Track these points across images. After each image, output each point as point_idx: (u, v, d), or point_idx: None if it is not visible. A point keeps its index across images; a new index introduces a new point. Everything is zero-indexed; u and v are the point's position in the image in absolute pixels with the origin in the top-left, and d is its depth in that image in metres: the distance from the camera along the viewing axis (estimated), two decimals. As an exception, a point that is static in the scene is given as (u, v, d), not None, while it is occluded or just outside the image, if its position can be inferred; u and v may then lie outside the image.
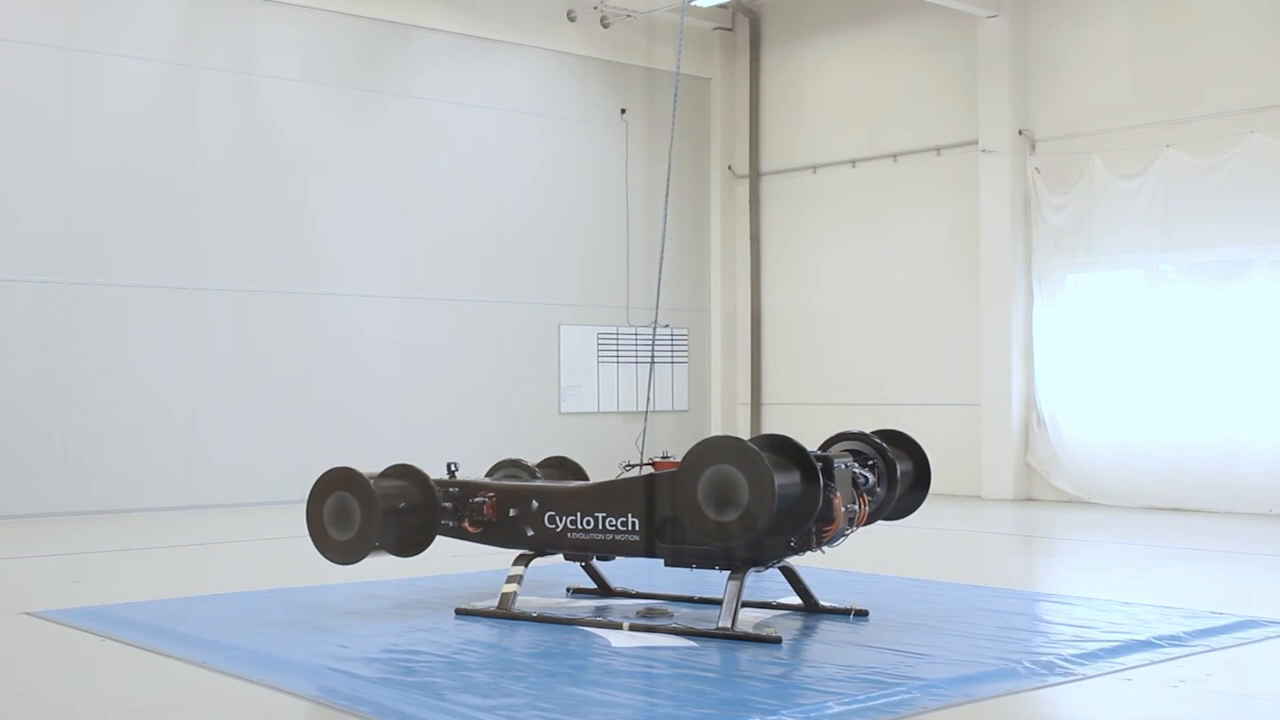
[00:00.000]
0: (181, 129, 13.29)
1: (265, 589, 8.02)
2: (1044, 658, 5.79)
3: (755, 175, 17.25)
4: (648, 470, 6.96)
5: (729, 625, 6.27)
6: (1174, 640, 6.21)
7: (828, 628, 6.59)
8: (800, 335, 16.76)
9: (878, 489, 6.89)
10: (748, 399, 17.13)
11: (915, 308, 15.50)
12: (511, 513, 7.12)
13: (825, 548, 6.59)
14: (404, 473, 7.23)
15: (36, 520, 12.05)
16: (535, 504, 7.08)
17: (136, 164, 12.99)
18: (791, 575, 7.03)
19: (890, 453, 7.08)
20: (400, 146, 14.78)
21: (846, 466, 6.59)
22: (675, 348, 17.03)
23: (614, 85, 16.56)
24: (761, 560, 6.54)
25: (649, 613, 6.86)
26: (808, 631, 6.52)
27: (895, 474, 7.04)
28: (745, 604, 6.62)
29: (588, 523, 6.93)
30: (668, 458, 7.04)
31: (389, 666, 5.76)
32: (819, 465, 6.29)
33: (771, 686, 5.29)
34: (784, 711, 4.83)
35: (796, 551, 6.53)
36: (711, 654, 5.95)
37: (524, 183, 15.76)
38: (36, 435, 12.36)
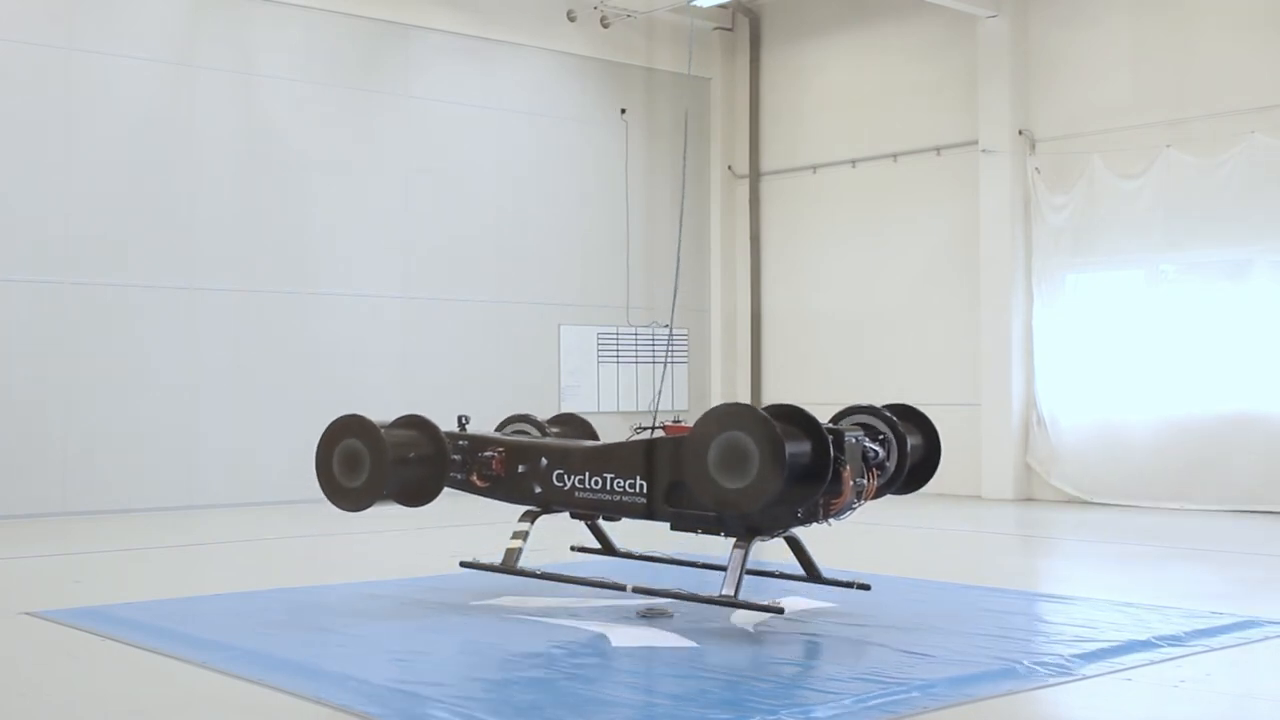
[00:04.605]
0: (181, 129, 13.28)
1: (265, 589, 8.01)
2: (1044, 658, 5.79)
3: (755, 175, 17.25)
4: (659, 434, 6.96)
5: (732, 593, 6.26)
6: (1174, 640, 6.21)
7: (828, 628, 6.58)
8: (800, 335, 16.76)
9: (887, 463, 6.85)
10: (748, 399, 17.12)
11: (915, 308, 15.50)
12: (520, 469, 7.13)
13: (832, 520, 6.55)
14: (414, 423, 7.24)
15: (36, 520, 12.05)
16: (544, 461, 7.08)
17: (136, 164, 12.99)
18: (796, 545, 7.02)
19: (900, 427, 7.04)
20: (400, 146, 14.78)
21: (857, 440, 6.57)
22: (675, 348, 17.03)
23: (614, 85, 16.56)
24: (767, 529, 6.52)
25: (649, 613, 6.85)
26: (808, 631, 6.52)
27: (905, 448, 6.98)
28: (749, 572, 6.61)
29: (595, 483, 6.91)
30: (679, 422, 7.04)
31: (389, 666, 5.75)
32: (830, 437, 6.27)
33: (771, 686, 5.29)
34: (784, 711, 4.83)
35: (803, 522, 6.50)
36: (711, 654, 5.95)
37: (524, 183, 15.76)
38: (36, 435, 12.36)
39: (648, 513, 6.78)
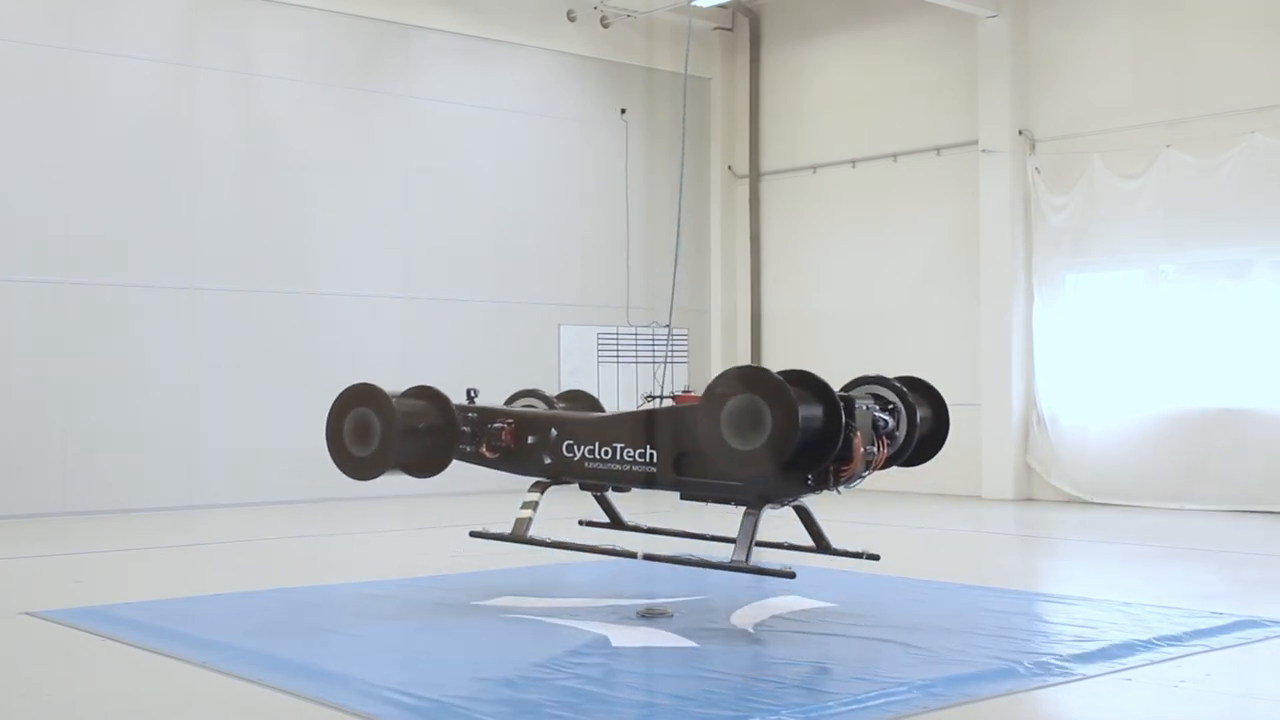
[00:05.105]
0: (181, 129, 13.28)
1: (265, 589, 8.01)
2: (1044, 658, 5.79)
3: (755, 175, 17.25)
4: (668, 404, 6.97)
5: (743, 559, 6.26)
6: (1174, 640, 6.21)
7: (827, 627, 6.58)
8: (800, 335, 16.75)
9: (896, 433, 6.84)
10: (748, 399, 17.08)
11: (915, 308, 15.50)
12: (529, 440, 7.13)
13: (841, 488, 6.53)
14: (425, 394, 7.26)
15: (36, 520, 12.05)
16: (554, 432, 7.08)
17: (136, 164, 12.99)
18: (805, 515, 7.01)
19: (910, 398, 7.03)
20: (400, 146, 14.78)
21: (868, 408, 6.56)
22: (675, 348, 17.02)
23: (614, 85, 16.56)
24: (778, 497, 6.51)
25: (649, 613, 6.85)
26: (807, 631, 6.52)
27: (915, 419, 6.96)
28: (758, 544, 6.59)
29: (605, 453, 6.90)
30: (689, 392, 7.05)
31: (389, 666, 5.75)
32: (841, 403, 6.26)
33: (772, 686, 5.29)
34: (784, 711, 4.83)
35: (813, 490, 6.48)
36: (711, 654, 5.95)
37: (524, 183, 15.76)
38: (36, 435, 12.36)
39: (657, 482, 6.77)
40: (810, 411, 6.09)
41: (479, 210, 15.37)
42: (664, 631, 6.42)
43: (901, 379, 7.13)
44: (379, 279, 14.56)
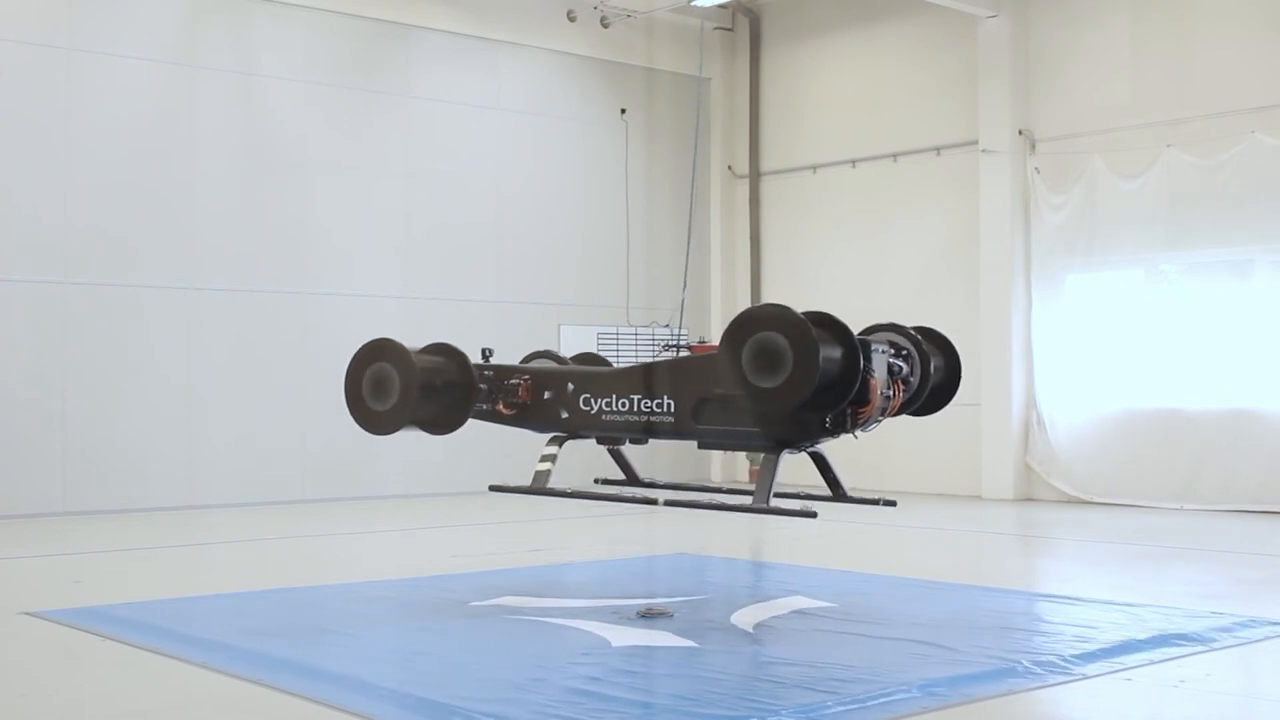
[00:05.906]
0: (181, 129, 13.28)
1: (265, 589, 8.01)
2: (1044, 657, 5.79)
3: (755, 175, 17.25)
4: (685, 354, 7.01)
5: (763, 502, 6.28)
6: (1174, 640, 6.21)
7: (827, 627, 6.58)
8: (800, 335, 16.73)
9: (911, 379, 6.87)
10: (748, 399, 17.09)
11: (915, 308, 15.42)
12: (546, 395, 7.16)
13: (859, 431, 6.57)
14: (443, 350, 7.27)
15: (36, 520, 12.05)
16: (570, 387, 7.11)
17: (136, 164, 12.99)
18: (821, 462, 7.02)
19: (925, 347, 7.05)
20: (400, 147, 14.78)
21: (884, 353, 6.60)
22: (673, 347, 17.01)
23: (614, 85, 16.56)
24: (796, 440, 6.53)
25: (649, 612, 6.84)
26: (807, 631, 6.52)
27: (929, 368, 7.01)
28: (776, 494, 6.60)
29: (622, 405, 6.92)
30: (704, 343, 7.08)
31: (389, 666, 5.76)
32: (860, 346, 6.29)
33: (772, 686, 5.29)
34: (784, 712, 4.83)
35: (831, 433, 6.52)
36: (711, 654, 5.95)
37: (524, 183, 15.75)
38: (36, 435, 12.35)
39: (675, 432, 6.79)
40: (830, 352, 6.12)
41: (479, 210, 15.37)
42: (664, 631, 6.42)
43: (917, 329, 7.18)
44: (379, 279, 14.55)
